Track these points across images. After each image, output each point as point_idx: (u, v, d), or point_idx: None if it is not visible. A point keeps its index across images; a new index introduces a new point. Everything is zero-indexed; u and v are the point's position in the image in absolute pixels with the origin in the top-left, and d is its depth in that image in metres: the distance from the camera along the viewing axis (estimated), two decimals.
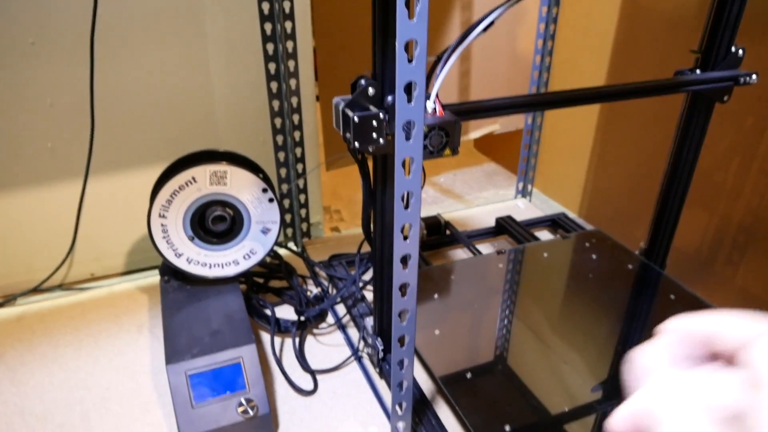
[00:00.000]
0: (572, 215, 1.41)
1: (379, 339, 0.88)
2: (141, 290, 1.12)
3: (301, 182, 1.22)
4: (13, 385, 0.89)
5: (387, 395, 0.88)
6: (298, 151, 1.18)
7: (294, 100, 1.13)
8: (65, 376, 0.91)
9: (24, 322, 1.03)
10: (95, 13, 0.93)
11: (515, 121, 1.57)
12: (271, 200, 0.91)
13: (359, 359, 0.96)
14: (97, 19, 0.93)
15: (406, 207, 0.57)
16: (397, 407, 0.71)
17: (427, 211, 1.38)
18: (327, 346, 0.99)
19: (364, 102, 0.64)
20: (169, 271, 0.95)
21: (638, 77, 0.87)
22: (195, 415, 0.76)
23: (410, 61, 0.51)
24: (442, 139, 0.64)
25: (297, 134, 1.16)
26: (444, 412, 0.84)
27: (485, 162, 1.84)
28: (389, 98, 0.64)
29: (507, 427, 0.75)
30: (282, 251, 1.22)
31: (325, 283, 1.15)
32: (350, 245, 1.26)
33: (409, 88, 0.52)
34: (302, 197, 1.24)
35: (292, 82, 1.11)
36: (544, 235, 1.34)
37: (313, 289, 1.12)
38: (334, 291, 1.11)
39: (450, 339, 0.92)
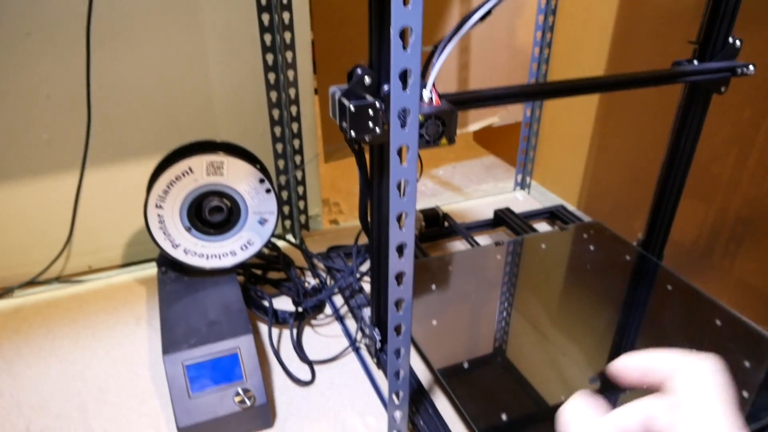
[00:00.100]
0: (571, 207, 1.41)
1: (376, 329, 0.88)
2: (139, 282, 1.12)
3: (299, 174, 1.22)
4: (9, 376, 0.89)
5: (384, 385, 0.88)
6: (296, 142, 1.18)
7: (292, 92, 1.13)
8: (62, 368, 0.91)
9: (21, 314, 1.03)
10: (91, 3, 0.92)
11: (514, 114, 1.57)
12: (268, 191, 0.90)
13: (357, 350, 0.96)
14: (93, 9, 0.93)
15: (402, 195, 0.57)
16: (394, 396, 0.71)
17: (425, 204, 1.38)
18: (325, 337, 0.99)
19: (360, 91, 0.64)
20: (166, 263, 0.95)
21: (637, 69, 0.86)
22: (192, 405, 0.76)
23: (405, 48, 0.51)
24: (439, 128, 0.64)
25: (295, 126, 1.16)
26: (441, 402, 0.85)
27: (484, 155, 1.83)
28: (385, 87, 0.63)
29: (503, 416, 0.75)
30: (280, 243, 1.21)
31: (323, 274, 1.15)
32: (349, 237, 1.25)
33: (404, 76, 0.52)
34: (300, 189, 1.24)
35: (290, 74, 1.11)
36: (543, 226, 1.34)
37: (311, 281, 1.12)
38: (332, 282, 1.11)
39: (447, 330, 0.92)
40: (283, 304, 1.04)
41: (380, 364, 0.91)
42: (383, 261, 0.80)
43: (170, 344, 0.79)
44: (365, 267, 1.12)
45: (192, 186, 0.87)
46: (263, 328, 0.98)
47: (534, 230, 1.25)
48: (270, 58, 1.08)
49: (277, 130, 1.15)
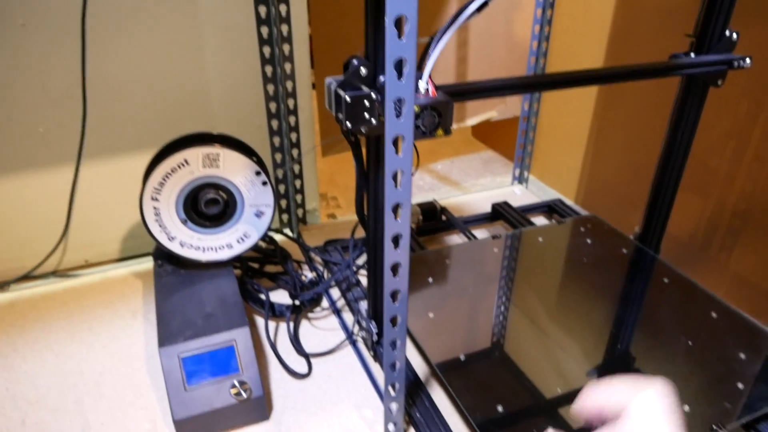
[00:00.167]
0: (568, 201, 1.41)
1: (373, 322, 0.88)
2: (136, 276, 1.12)
3: (296, 168, 1.22)
4: (5, 370, 0.89)
5: (381, 378, 0.88)
6: (294, 136, 1.17)
7: (289, 85, 1.12)
8: (58, 362, 0.91)
9: (16, 308, 1.02)
10: None
11: (512, 108, 1.57)
12: (264, 183, 0.90)
13: (354, 343, 0.96)
14: (88, 0, 0.93)
15: (397, 186, 0.57)
16: (390, 388, 0.71)
17: (423, 198, 1.38)
18: (322, 330, 0.99)
19: (356, 82, 0.64)
20: (162, 255, 0.95)
21: (635, 62, 0.86)
22: (188, 397, 0.76)
23: (400, 37, 0.50)
24: (435, 119, 0.64)
25: (292, 119, 1.16)
26: (438, 394, 0.85)
27: (483, 150, 1.83)
28: (381, 78, 0.63)
29: (499, 408, 0.75)
30: (278, 237, 1.21)
31: (320, 268, 1.14)
32: (346, 231, 1.25)
33: (399, 66, 0.52)
34: (298, 183, 1.24)
35: (287, 67, 1.10)
36: (540, 220, 1.34)
37: (308, 274, 1.12)
38: (329, 275, 1.11)
39: (444, 322, 0.92)
40: (280, 297, 1.04)
41: (377, 357, 0.91)
42: (380, 253, 0.79)
43: (166, 337, 0.79)
44: (363, 260, 1.12)
45: (188, 178, 0.86)
46: (260, 321, 0.98)
47: (531, 224, 1.25)
48: (267, 50, 1.07)
49: (275, 123, 1.14)
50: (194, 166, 0.86)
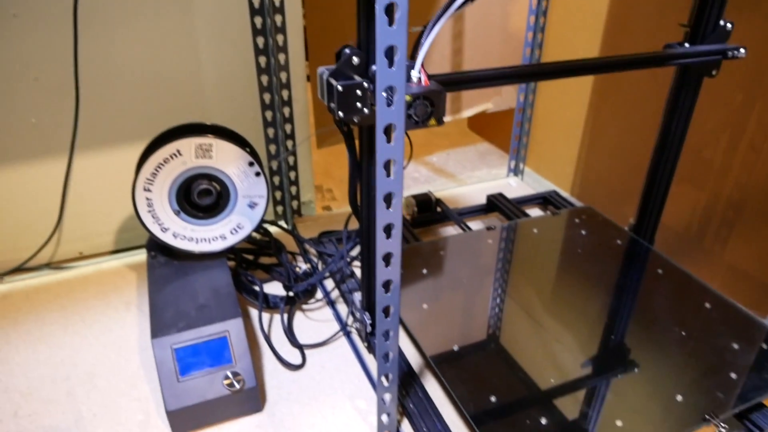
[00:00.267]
0: (564, 193, 1.41)
1: (367, 313, 0.88)
2: (129, 268, 1.12)
3: (291, 159, 1.21)
4: None
5: (375, 369, 0.88)
6: (288, 127, 1.17)
7: (283, 76, 1.12)
8: (51, 353, 0.90)
9: (9, 299, 1.02)
10: None
11: (508, 100, 1.56)
12: (257, 174, 0.90)
13: (348, 334, 0.96)
14: None
15: (389, 175, 0.57)
16: (383, 378, 0.71)
17: (419, 190, 1.37)
18: (316, 321, 0.98)
19: (348, 71, 0.63)
20: (156, 247, 0.95)
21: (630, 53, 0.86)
22: (180, 388, 0.76)
23: (391, 24, 0.50)
24: (427, 108, 0.63)
25: (287, 110, 1.15)
26: (432, 386, 0.85)
27: (479, 142, 1.83)
28: (373, 67, 0.63)
29: (493, 398, 0.75)
30: (272, 229, 1.21)
31: (315, 259, 1.14)
32: (342, 223, 1.25)
33: (390, 53, 0.51)
34: (293, 174, 1.23)
35: (281, 57, 1.10)
36: (535, 212, 1.34)
37: (302, 266, 1.12)
38: (323, 267, 1.11)
39: (438, 313, 0.92)
40: (275, 289, 1.04)
41: (371, 348, 0.91)
42: (373, 244, 0.79)
43: (159, 328, 0.79)
44: (358, 252, 1.11)
45: (181, 169, 0.86)
46: (254, 313, 0.98)
47: (526, 215, 1.25)
48: (261, 41, 1.07)
49: (269, 114, 1.14)
50: (187, 156, 0.85)
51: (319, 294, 1.05)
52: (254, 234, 0.99)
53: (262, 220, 0.94)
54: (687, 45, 0.89)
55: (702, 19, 0.87)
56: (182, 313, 0.82)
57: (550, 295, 0.97)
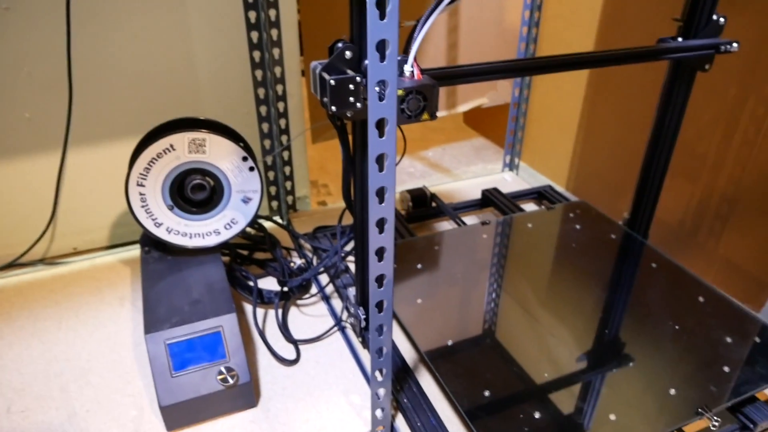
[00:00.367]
0: (558, 188, 1.41)
1: (361, 308, 0.88)
2: (124, 263, 1.12)
3: (286, 154, 1.21)
4: None
5: (369, 364, 0.88)
6: (283, 122, 1.16)
7: (278, 70, 1.11)
8: (44, 349, 0.90)
9: (3, 295, 1.02)
10: None
11: (503, 95, 1.56)
12: (251, 169, 0.90)
13: (342, 329, 0.96)
14: None
15: (381, 169, 0.56)
16: (377, 374, 0.71)
17: (414, 185, 1.37)
18: (310, 316, 0.98)
19: (341, 65, 0.63)
20: (149, 242, 0.94)
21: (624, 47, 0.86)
22: (174, 384, 0.75)
23: (382, 18, 0.50)
24: (420, 103, 0.63)
25: (281, 105, 1.15)
26: (426, 381, 0.85)
27: (474, 137, 1.83)
28: (366, 62, 0.62)
29: (487, 393, 0.75)
30: (267, 224, 1.21)
31: (310, 254, 1.14)
32: (336, 218, 1.25)
33: (382, 47, 0.51)
34: (287, 169, 1.23)
35: (275, 52, 1.09)
36: (530, 207, 1.34)
37: (297, 261, 1.12)
38: (318, 262, 1.11)
39: (433, 308, 0.92)
40: (269, 284, 1.04)
41: (365, 343, 0.91)
42: (367, 239, 0.79)
43: (152, 323, 0.79)
44: (352, 247, 1.11)
45: (174, 163, 0.86)
46: (248, 308, 0.98)
47: (521, 210, 1.25)
48: (255, 35, 1.06)
49: (263, 109, 1.14)
50: (180, 151, 0.85)
51: (314, 289, 1.04)
52: (249, 229, 0.98)
53: (257, 216, 0.94)
54: (680, 39, 0.89)
55: (695, 13, 0.87)
56: (176, 308, 0.82)
57: (544, 289, 0.97)
